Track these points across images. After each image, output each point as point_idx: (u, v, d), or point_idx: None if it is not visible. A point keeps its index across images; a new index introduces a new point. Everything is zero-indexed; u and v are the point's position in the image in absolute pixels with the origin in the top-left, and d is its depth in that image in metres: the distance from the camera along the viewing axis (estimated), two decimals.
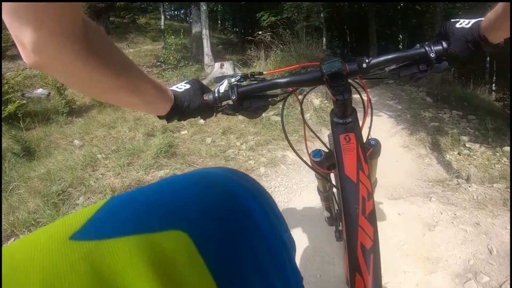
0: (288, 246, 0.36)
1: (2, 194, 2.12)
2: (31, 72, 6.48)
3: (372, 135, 0.82)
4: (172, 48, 6.27)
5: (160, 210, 0.27)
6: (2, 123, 3.88)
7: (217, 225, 0.28)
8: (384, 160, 2.87)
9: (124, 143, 2.85)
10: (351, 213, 0.57)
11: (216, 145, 3.02)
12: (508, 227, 1.61)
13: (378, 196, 1.90)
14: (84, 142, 3.11)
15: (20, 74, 5.45)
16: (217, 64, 6.39)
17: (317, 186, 1.11)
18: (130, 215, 0.26)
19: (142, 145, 2.75)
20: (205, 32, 6.72)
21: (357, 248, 0.54)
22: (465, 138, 3.13)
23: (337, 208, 1.17)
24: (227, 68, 6.34)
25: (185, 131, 3.45)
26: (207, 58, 6.59)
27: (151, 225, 0.25)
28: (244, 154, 2.90)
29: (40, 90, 5.45)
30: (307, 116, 3.83)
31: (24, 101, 4.74)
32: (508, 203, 1.87)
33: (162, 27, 7.69)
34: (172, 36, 6.41)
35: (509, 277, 1.30)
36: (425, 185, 2.33)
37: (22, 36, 0.31)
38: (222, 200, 0.30)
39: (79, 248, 0.22)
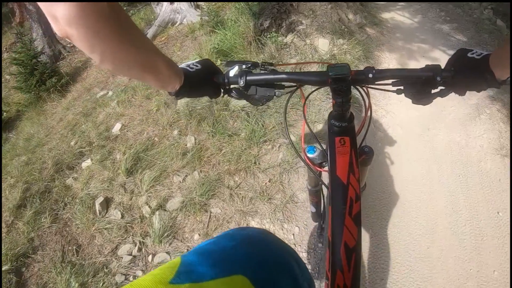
0: None
1: None
2: None
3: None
4: None
5: (227, 259, 0.46)
6: None
7: (267, 272, 0.47)
8: (475, 211, 1.37)
9: None
10: (338, 212, 0.60)
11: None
12: None
13: None
14: None
15: None
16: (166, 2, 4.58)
17: (307, 181, 1.10)
18: (208, 264, 0.43)
19: None
20: None
21: (341, 246, 0.58)
22: None
23: (323, 206, 1.18)
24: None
25: (88, 162, 2.34)
26: None
27: (225, 270, 0.43)
28: None
29: None
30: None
31: None
32: None
33: None
34: None
35: None
36: None
37: (56, 11, 0.36)
38: (269, 255, 0.51)
39: None
